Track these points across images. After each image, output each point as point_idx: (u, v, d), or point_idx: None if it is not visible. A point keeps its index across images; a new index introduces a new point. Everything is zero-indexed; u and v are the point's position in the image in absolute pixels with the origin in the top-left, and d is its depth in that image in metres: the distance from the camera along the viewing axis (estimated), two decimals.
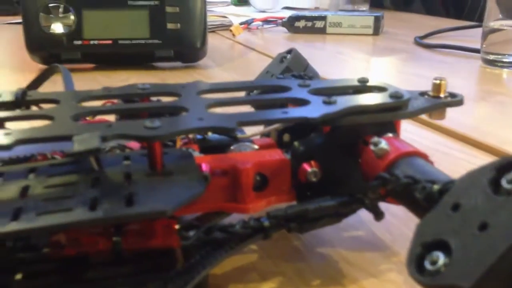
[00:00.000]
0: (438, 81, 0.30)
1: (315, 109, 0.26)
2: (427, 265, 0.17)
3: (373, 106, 0.27)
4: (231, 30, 0.97)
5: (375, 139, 0.25)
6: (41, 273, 0.22)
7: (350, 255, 0.29)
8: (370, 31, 1.01)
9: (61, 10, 0.72)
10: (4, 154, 0.26)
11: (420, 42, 0.93)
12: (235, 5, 1.34)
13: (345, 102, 0.27)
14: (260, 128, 0.31)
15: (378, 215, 0.26)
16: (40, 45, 0.72)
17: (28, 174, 0.24)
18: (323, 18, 1.00)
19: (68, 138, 0.22)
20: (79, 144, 0.21)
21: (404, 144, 0.25)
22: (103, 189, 0.22)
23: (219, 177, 0.27)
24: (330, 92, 0.29)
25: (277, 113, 0.26)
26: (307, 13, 1.03)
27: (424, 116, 0.30)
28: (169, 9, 0.74)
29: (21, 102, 0.28)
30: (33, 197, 0.22)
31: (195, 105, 0.27)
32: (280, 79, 0.36)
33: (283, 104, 0.29)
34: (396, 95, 0.28)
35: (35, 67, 0.73)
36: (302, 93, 0.29)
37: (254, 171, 0.27)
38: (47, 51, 0.72)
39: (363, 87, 0.30)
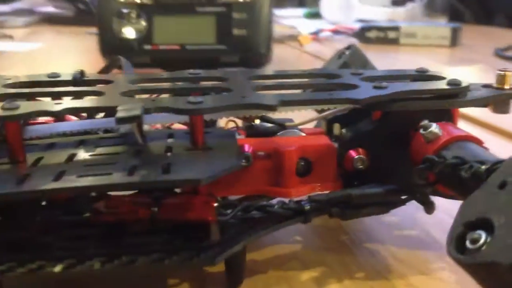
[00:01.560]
0: (502, 73, 0.28)
1: (364, 92, 0.26)
2: (468, 244, 0.17)
3: (426, 91, 0.26)
4: (299, 40, 0.97)
5: (425, 122, 0.24)
6: (81, 236, 0.23)
7: (399, 252, 0.28)
8: (447, 42, 0.98)
9: (133, 15, 0.76)
10: (59, 129, 0.28)
11: (501, 54, 0.89)
12: (307, 17, 1.34)
13: (397, 87, 0.26)
14: (309, 117, 0.31)
15: (428, 205, 0.25)
16: (112, 49, 0.77)
17: (77, 145, 0.25)
18: (397, 28, 0.98)
19: (113, 108, 0.23)
20: (123, 112, 0.22)
21: (457, 129, 0.24)
22: (143, 159, 0.23)
23: (262, 159, 0.27)
24: (383, 79, 0.29)
25: (323, 95, 0.25)
26: (379, 23, 1.01)
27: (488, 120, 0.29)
28: (236, 15, 0.76)
29: (78, 82, 0.30)
30: (78, 163, 0.23)
31: (241, 87, 0.27)
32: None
33: (331, 89, 0.28)
34: (454, 83, 0.27)
35: None
36: (353, 80, 0.28)
37: (298, 155, 0.26)
38: (119, 55, 0.77)
39: (420, 76, 0.29)
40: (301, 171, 0.27)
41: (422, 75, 0.29)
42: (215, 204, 0.24)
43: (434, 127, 0.24)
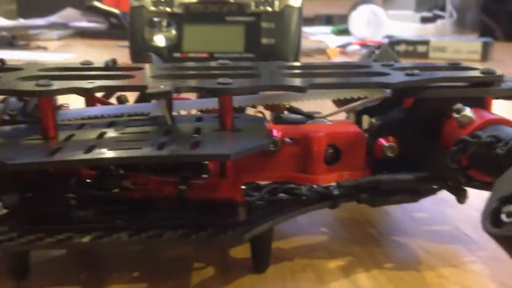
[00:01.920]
0: None
1: (396, 78, 0.26)
2: (504, 217, 0.16)
3: (459, 79, 0.26)
4: (327, 53, 0.97)
5: (458, 105, 0.23)
6: (109, 211, 0.23)
7: (429, 245, 0.27)
8: (478, 57, 0.97)
9: (164, 24, 0.78)
10: (90, 113, 0.28)
11: None
12: (335, 34, 1.35)
13: (428, 75, 0.26)
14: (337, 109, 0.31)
15: (461, 193, 0.24)
16: (143, 55, 0.78)
17: (107, 126, 0.26)
18: (426, 42, 0.98)
19: (143, 87, 0.23)
20: (154, 89, 0.22)
21: (491, 113, 0.24)
22: (172, 137, 0.23)
23: (290, 145, 0.26)
24: (415, 69, 0.28)
25: (352, 79, 0.25)
26: (408, 37, 1.01)
27: None
28: (264, 24, 0.77)
29: (111, 69, 0.30)
30: (108, 139, 0.23)
31: (271, 74, 0.27)
32: None
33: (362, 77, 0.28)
34: (487, 71, 0.26)
35: None
36: (384, 69, 0.28)
37: (326, 142, 0.26)
38: (149, 62, 0.78)
39: (452, 66, 0.29)
40: (330, 158, 0.27)
41: (455, 66, 0.29)
42: (243, 186, 0.24)
43: (468, 111, 0.23)
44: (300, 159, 0.26)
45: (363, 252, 0.26)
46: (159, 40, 0.77)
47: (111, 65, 0.30)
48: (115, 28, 1.26)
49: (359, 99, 0.29)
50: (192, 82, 0.25)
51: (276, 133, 0.26)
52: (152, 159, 0.21)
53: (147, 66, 0.30)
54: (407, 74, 0.26)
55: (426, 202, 0.31)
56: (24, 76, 0.26)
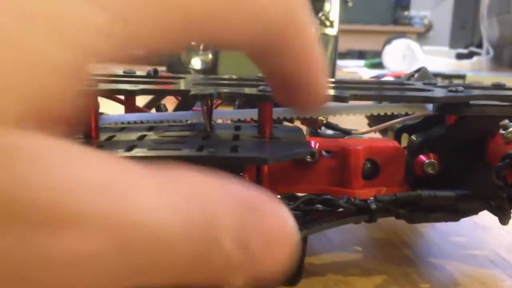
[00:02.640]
0: None
1: (438, 94, 0.25)
2: None
3: (502, 96, 0.25)
4: None
5: (505, 121, 0.23)
6: None
7: (467, 268, 0.26)
8: None
9: (201, 47, 0.79)
10: (131, 119, 0.29)
11: None
12: (368, 67, 1.35)
13: (473, 92, 0.26)
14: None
15: (504, 213, 0.23)
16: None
17: (148, 129, 0.26)
18: (462, 77, 0.97)
19: (186, 91, 0.24)
20: (196, 91, 0.23)
21: None
22: (212, 141, 0.23)
23: (327, 158, 0.26)
24: (459, 86, 0.28)
25: (395, 92, 0.25)
26: (444, 71, 1.00)
27: None
28: None
29: (153, 77, 0.31)
30: (148, 140, 0.23)
31: None
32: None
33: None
34: None
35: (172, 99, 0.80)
36: (426, 86, 0.28)
37: (365, 156, 0.26)
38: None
39: (497, 87, 0.28)
40: (368, 173, 0.26)
41: (499, 86, 0.28)
42: (278, 196, 0.24)
43: None
44: (338, 172, 0.26)
45: (397, 271, 0.26)
46: (196, 63, 0.79)
47: (153, 74, 0.31)
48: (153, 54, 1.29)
49: (397, 117, 0.28)
50: (233, 89, 0.25)
51: (314, 144, 0.26)
52: (191, 159, 0.21)
53: (188, 76, 0.31)
54: (451, 91, 0.26)
55: (463, 227, 0.30)
56: None
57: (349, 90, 0.25)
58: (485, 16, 1.15)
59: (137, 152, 0.21)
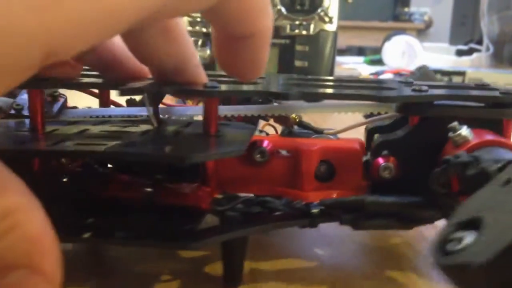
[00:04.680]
0: None
1: (395, 93, 0.22)
2: (452, 245, 0.13)
3: (468, 97, 0.22)
4: None
5: (454, 124, 0.20)
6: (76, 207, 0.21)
7: None
8: None
9: (199, 44, 0.77)
10: (96, 113, 0.27)
11: None
12: (368, 64, 1.30)
13: (438, 91, 0.23)
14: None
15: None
16: None
17: (97, 124, 0.24)
18: (462, 73, 0.92)
19: (116, 85, 0.22)
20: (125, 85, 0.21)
21: (495, 135, 0.20)
22: (146, 138, 0.21)
23: (280, 158, 0.23)
24: (433, 88, 0.24)
25: (346, 91, 0.22)
26: (444, 68, 0.96)
27: None
28: (298, 47, 0.74)
29: None
30: (85, 135, 0.21)
31: (270, 83, 0.25)
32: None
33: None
34: (507, 92, 0.23)
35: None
36: (395, 85, 0.25)
37: (319, 157, 0.23)
38: None
39: (478, 87, 0.25)
40: (322, 175, 0.23)
41: (480, 86, 0.25)
42: (218, 195, 0.21)
43: (464, 130, 0.20)
44: (291, 173, 0.23)
45: (398, 274, 0.23)
46: None
47: None
48: None
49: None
50: (179, 85, 0.22)
51: (266, 144, 0.23)
52: (108, 156, 0.19)
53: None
54: (414, 90, 0.23)
55: None
56: None
57: (299, 88, 0.22)
58: (485, 13, 1.10)
59: (62, 146, 0.19)
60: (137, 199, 0.21)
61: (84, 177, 0.22)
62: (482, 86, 0.25)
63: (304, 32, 0.75)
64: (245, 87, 0.23)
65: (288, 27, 0.76)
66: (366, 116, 0.27)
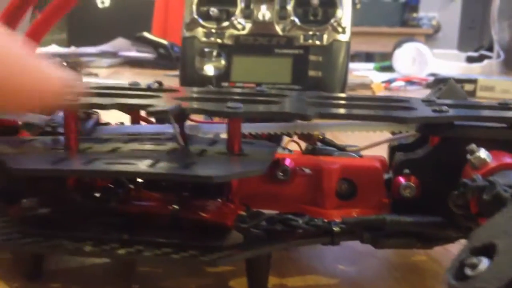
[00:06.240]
0: None
1: (415, 113, 0.22)
2: (467, 270, 0.13)
3: (488, 118, 0.22)
4: (371, 88, 0.93)
5: (472, 146, 0.20)
6: (104, 223, 0.21)
7: None
8: None
9: (214, 54, 0.77)
10: (126, 130, 0.27)
11: None
12: (377, 70, 1.29)
13: (456, 112, 0.22)
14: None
15: None
16: (192, 83, 0.77)
17: (128, 141, 0.24)
18: (473, 81, 0.91)
19: (145, 106, 0.22)
20: (156, 107, 0.21)
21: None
22: (173, 157, 0.21)
23: (302, 176, 0.23)
24: (456, 107, 0.24)
25: (366, 111, 0.22)
26: (455, 75, 0.95)
27: None
28: (312, 57, 0.74)
29: (152, 89, 0.29)
30: (116, 154, 0.22)
31: (291, 102, 0.25)
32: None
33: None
34: None
35: None
36: (416, 104, 0.24)
37: (339, 175, 0.23)
38: None
39: (498, 106, 0.24)
40: (344, 193, 0.23)
41: (503, 106, 0.24)
42: (240, 212, 0.21)
43: (482, 152, 0.19)
44: (313, 191, 0.23)
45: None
46: (209, 69, 0.76)
47: (153, 87, 0.29)
48: (163, 58, 1.24)
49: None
50: (202, 105, 0.22)
51: (288, 162, 0.23)
52: (139, 176, 0.20)
53: (181, 89, 0.29)
54: (434, 110, 0.22)
55: None
56: None
57: (325, 108, 0.22)
58: (496, 19, 1.08)
59: (94, 166, 0.20)
60: (163, 216, 0.21)
61: (114, 193, 0.22)
62: (506, 106, 0.25)
63: (317, 43, 0.75)
64: (271, 108, 0.23)
65: (301, 37, 0.76)
66: (393, 133, 0.27)
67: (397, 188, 0.23)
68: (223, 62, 0.77)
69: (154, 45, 1.28)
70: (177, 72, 0.82)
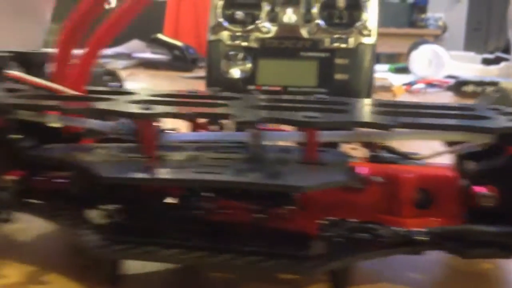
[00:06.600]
0: None
1: (497, 123, 0.22)
2: None
3: None
4: (393, 91, 0.93)
5: None
6: (191, 230, 0.21)
7: None
8: None
9: (240, 57, 0.77)
10: (190, 138, 0.27)
11: None
12: (392, 72, 1.29)
13: None
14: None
15: None
16: (219, 86, 0.77)
17: (199, 150, 0.24)
18: (495, 84, 0.91)
19: (230, 116, 0.22)
20: (241, 117, 0.21)
21: None
22: (255, 166, 0.21)
23: (377, 185, 0.23)
24: None
25: (449, 121, 0.22)
26: (476, 78, 0.94)
27: None
28: (338, 60, 0.74)
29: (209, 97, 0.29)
30: (195, 163, 0.22)
31: (359, 110, 0.25)
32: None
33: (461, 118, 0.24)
34: None
35: None
36: (487, 113, 0.24)
37: (416, 184, 0.23)
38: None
39: None
40: (420, 202, 0.23)
41: None
42: (321, 221, 0.21)
43: None
44: (388, 200, 0.23)
45: None
46: (235, 72, 0.76)
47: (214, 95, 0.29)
48: (177, 60, 1.24)
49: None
50: (279, 114, 0.22)
51: (363, 171, 0.23)
52: (229, 185, 0.20)
53: (240, 96, 0.29)
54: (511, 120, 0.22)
55: None
56: (134, 99, 0.25)
57: (398, 117, 0.22)
58: None
59: (184, 175, 0.20)
60: (245, 224, 0.21)
61: (193, 201, 0.22)
62: None
63: (343, 46, 0.75)
64: (343, 118, 0.23)
65: (327, 40, 0.75)
66: (451, 143, 0.27)
67: (473, 197, 0.22)
68: (248, 65, 0.77)
69: (169, 47, 1.28)
70: (191, 74, 0.82)
